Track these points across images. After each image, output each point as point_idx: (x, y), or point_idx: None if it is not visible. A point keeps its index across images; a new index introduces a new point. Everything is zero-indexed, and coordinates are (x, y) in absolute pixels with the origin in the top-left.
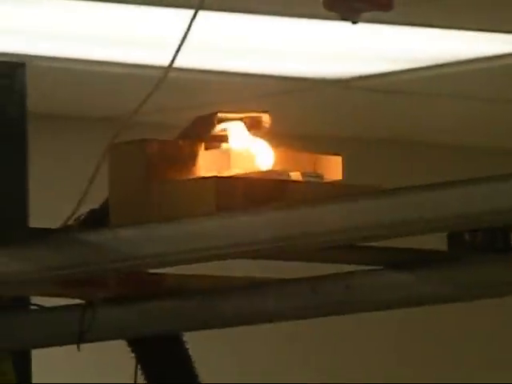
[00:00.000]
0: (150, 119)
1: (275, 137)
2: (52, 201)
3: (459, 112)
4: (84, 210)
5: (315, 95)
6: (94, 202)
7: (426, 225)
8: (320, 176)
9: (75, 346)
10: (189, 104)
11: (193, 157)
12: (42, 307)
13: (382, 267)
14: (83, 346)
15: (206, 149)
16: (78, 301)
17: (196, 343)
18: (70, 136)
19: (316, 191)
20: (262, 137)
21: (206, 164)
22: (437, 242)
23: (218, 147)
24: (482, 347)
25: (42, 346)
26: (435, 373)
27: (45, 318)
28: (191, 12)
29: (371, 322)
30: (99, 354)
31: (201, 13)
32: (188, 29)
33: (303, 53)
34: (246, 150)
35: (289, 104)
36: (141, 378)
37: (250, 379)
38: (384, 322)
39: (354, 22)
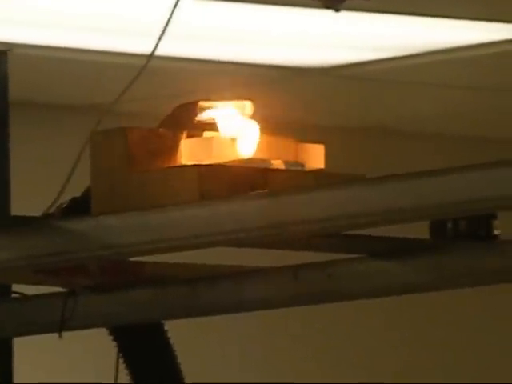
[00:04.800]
0: (132, 108)
1: (257, 125)
2: (34, 189)
3: (442, 101)
4: (66, 198)
5: (297, 83)
6: (76, 190)
7: (410, 213)
8: (302, 164)
9: (56, 346)
10: (171, 92)
11: (175, 145)
12: (23, 295)
13: (364, 256)
14: (61, 338)
15: (188, 137)
16: (59, 289)
17: (185, 333)
18: (52, 124)
19: (298, 180)
20: None
21: (188, 152)
22: (419, 230)
23: (200, 135)
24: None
25: (24, 334)
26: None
27: (27, 306)
28: (173, 0)
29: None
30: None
31: (182, 1)
32: (170, 17)
33: (285, 41)
34: (228, 138)
35: (271, 92)
36: (122, 366)
37: (235, 372)
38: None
39: (337, 10)
